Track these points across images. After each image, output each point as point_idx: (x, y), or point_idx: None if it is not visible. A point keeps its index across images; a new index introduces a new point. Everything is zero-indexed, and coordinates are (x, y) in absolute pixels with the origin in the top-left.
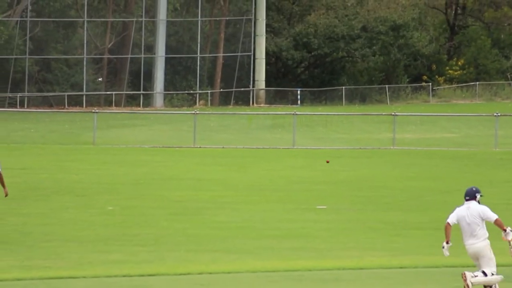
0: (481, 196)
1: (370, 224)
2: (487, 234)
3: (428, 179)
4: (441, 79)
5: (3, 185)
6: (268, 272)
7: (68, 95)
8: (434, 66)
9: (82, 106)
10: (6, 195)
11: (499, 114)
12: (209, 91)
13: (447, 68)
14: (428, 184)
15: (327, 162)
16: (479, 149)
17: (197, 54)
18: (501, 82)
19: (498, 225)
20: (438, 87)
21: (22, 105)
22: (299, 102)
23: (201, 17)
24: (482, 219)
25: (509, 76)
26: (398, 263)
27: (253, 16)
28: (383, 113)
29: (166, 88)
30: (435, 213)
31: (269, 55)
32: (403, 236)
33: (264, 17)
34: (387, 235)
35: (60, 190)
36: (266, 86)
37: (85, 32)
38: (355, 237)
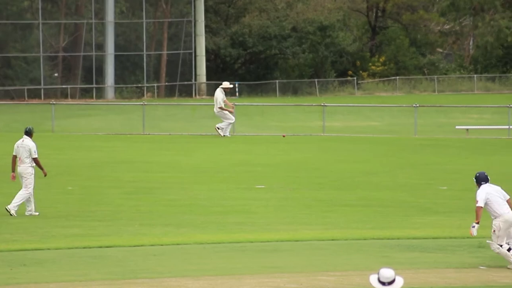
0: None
1: (305, 202)
2: None
3: (356, 162)
4: (365, 74)
5: (41, 167)
6: (214, 244)
7: (27, 89)
8: (358, 62)
9: (41, 99)
10: (45, 175)
11: (417, 105)
12: (155, 85)
13: (370, 64)
14: (356, 166)
15: (283, 136)
16: (400, 136)
17: (143, 52)
18: (419, 76)
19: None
20: (362, 81)
21: None
22: (237, 94)
23: (145, 19)
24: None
25: (425, 71)
26: (330, 235)
27: (193, 18)
28: (313, 104)
29: (116, 82)
30: (363, 192)
31: (209, 53)
32: (334, 212)
33: (203, 19)
34: (320, 211)
35: None
36: (206, 80)
37: (41, 33)
38: (291, 213)
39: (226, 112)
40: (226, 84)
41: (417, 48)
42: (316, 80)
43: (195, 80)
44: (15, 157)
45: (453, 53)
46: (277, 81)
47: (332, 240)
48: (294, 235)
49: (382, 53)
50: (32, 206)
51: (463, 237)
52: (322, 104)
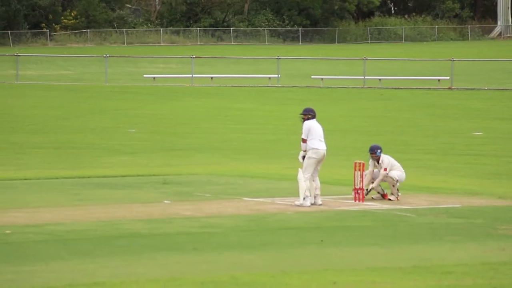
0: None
1: None
2: None
3: (49, 108)
4: (57, 27)
5: None
6: None
7: None
8: (50, 15)
9: None
10: None
11: (108, 56)
12: None
13: (62, 17)
14: (49, 112)
15: None
16: (92, 84)
17: None
18: (109, 29)
19: None
20: (55, 33)
21: None
22: None
23: None
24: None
25: (115, 25)
26: (22, 175)
27: None
28: (6, 54)
29: None
30: (55, 135)
31: None
32: (27, 154)
33: None
34: (13, 153)
35: None
36: None
37: None
38: None
39: None
40: None
41: (107, 4)
42: (9, 31)
43: None
44: None
45: (141, 8)
46: None
47: (25, 179)
48: None
49: (73, 8)
50: None
51: (150, 174)
52: (15, 54)
